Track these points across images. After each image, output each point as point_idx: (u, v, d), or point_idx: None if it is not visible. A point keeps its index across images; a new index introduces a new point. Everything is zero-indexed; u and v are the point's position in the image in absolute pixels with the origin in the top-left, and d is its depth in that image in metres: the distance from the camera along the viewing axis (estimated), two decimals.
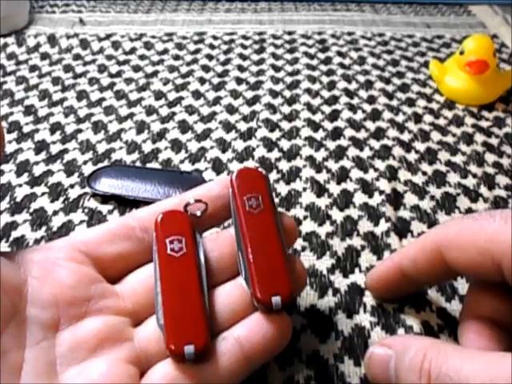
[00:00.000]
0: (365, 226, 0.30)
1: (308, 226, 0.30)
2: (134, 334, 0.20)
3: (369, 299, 0.26)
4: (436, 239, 0.20)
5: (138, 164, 0.35)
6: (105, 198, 0.32)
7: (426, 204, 0.32)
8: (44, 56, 0.49)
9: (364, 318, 0.25)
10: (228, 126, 0.39)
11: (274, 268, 0.20)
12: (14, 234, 0.29)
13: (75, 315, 0.19)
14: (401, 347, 0.18)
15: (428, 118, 0.40)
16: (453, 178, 0.34)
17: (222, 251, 0.22)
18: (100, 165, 0.35)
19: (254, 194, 0.22)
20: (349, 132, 0.38)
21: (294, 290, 0.20)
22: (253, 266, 0.20)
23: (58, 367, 0.18)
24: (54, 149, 0.36)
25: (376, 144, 0.37)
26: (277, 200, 0.32)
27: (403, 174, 0.34)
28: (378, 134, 0.38)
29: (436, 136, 0.38)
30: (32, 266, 0.20)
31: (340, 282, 0.27)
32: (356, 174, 0.34)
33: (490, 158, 0.36)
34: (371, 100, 0.42)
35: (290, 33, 0.54)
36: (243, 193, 0.22)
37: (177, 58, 0.49)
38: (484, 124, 0.40)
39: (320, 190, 0.33)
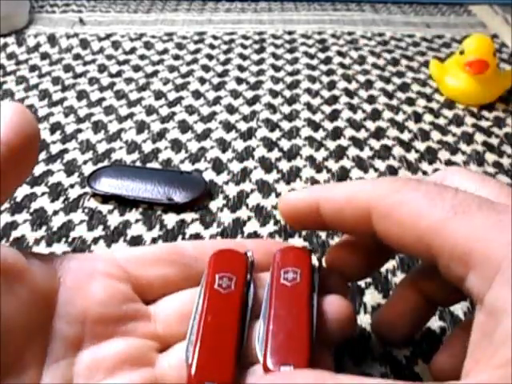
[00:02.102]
0: None
1: None
2: (157, 359, 0.18)
3: (368, 298, 0.26)
4: (370, 200, 0.17)
5: (138, 164, 0.35)
6: (105, 198, 0.32)
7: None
8: (44, 56, 0.49)
9: (364, 319, 0.25)
10: (228, 126, 0.39)
11: (293, 341, 0.18)
12: (14, 234, 0.29)
13: (101, 334, 0.18)
14: None
15: (428, 117, 0.40)
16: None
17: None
18: (100, 165, 0.35)
19: (293, 269, 0.20)
20: (349, 132, 0.38)
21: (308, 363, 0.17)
22: (270, 335, 0.18)
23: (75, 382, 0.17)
24: (54, 149, 0.36)
25: (376, 144, 0.37)
26: (277, 200, 0.32)
27: (403, 174, 0.34)
28: (378, 133, 0.38)
29: (436, 135, 0.38)
30: (67, 274, 0.19)
31: None
32: (356, 173, 0.34)
33: (491, 157, 0.36)
34: (371, 100, 0.42)
35: (290, 33, 0.54)
36: (282, 265, 0.20)
37: (177, 57, 0.49)
38: (484, 124, 0.40)
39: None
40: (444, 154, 0.36)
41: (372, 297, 0.26)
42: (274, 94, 0.43)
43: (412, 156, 0.36)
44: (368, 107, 0.41)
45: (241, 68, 0.47)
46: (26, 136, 0.18)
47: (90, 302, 0.18)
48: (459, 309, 0.25)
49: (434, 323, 0.24)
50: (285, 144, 0.37)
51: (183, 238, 0.29)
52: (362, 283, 0.26)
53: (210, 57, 0.49)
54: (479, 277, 0.14)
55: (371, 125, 0.39)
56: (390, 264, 0.28)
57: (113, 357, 0.18)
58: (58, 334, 0.17)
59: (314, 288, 0.20)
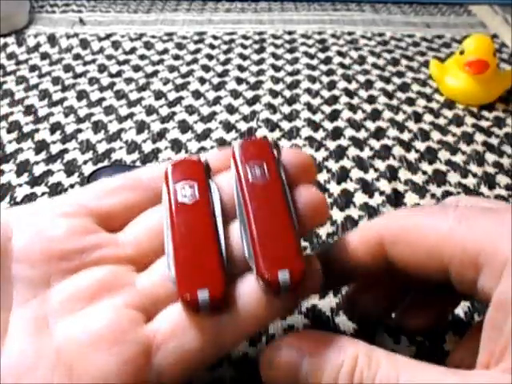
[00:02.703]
0: None
1: None
2: (136, 279, 0.18)
3: None
4: (381, 231, 0.18)
5: (138, 164, 0.35)
6: None
7: (427, 203, 0.32)
8: (44, 56, 0.49)
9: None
10: (228, 126, 0.39)
11: (281, 242, 0.17)
12: None
13: (68, 269, 0.18)
14: (315, 349, 0.16)
15: (428, 117, 0.40)
16: (453, 177, 0.34)
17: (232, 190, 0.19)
18: (100, 165, 0.35)
19: (258, 163, 0.19)
20: (349, 132, 0.38)
21: (305, 268, 0.17)
22: (256, 239, 0.17)
23: (49, 322, 0.17)
24: (54, 149, 0.36)
25: (376, 144, 0.37)
26: None
27: (403, 174, 0.34)
28: (378, 133, 0.38)
29: (436, 135, 0.38)
30: (19, 223, 0.18)
31: None
32: (356, 173, 0.34)
33: (491, 157, 0.36)
34: (371, 100, 0.42)
35: (290, 32, 0.54)
36: (246, 160, 0.19)
37: (177, 57, 0.49)
38: (484, 124, 0.40)
39: (320, 189, 0.33)
40: (444, 154, 0.36)
41: None
42: (274, 94, 0.43)
43: (412, 156, 0.36)
44: (368, 107, 0.41)
45: (241, 68, 0.47)
46: None
47: (49, 241, 0.18)
48: (460, 308, 0.25)
49: None
50: (285, 144, 0.37)
51: None
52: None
53: (209, 57, 0.49)
54: (488, 274, 0.15)
55: (371, 125, 0.39)
56: None
57: (87, 286, 0.17)
58: (20, 277, 0.17)
59: (284, 182, 0.19)
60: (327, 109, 0.41)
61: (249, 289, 0.17)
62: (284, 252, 0.17)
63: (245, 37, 0.53)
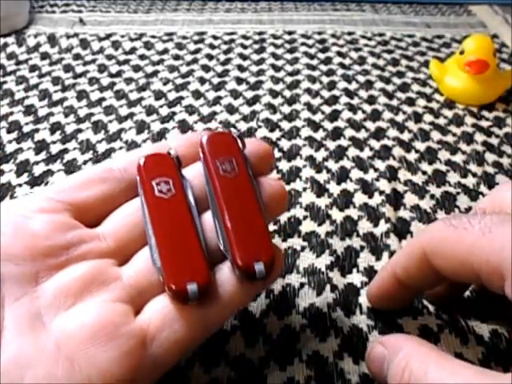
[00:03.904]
0: (364, 226, 0.30)
1: (308, 226, 0.30)
2: (120, 272, 0.19)
3: (364, 299, 0.25)
4: (422, 245, 0.20)
5: None
6: None
7: (426, 204, 0.32)
8: (44, 56, 0.49)
9: (361, 319, 0.25)
10: (228, 126, 0.39)
11: (254, 233, 0.19)
12: None
13: (54, 265, 0.18)
14: (392, 348, 0.18)
15: (428, 117, 0.40)
16: (453, 177, 0.34)
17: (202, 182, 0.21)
18: None
19: (228, 158, 0.20)
20: (349, 132, 0.38)
21: (276, 256, 0.19)
22: (231, 232, 0.19)
23: (43, 318, 0.17)
24: (54, 149, 0.36)
25: (376, 144, 0.37)
26: None
27: (403, 174, 0.34)
28: (378, 133, 0.38)
29: (436, 135, 0.38)
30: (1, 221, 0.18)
31: (338, 279, 0.27)
32: (356, 174, 0.34)
33: (490, 157, 0.36)
34: (371, 100, 0.42)
35: (290, 33, 0.54)
36: (215, 154, 0.21)
37: (177, 57, 0.49)
38: (484, 124, 0.40)
39: (320, 190, 0.33)
40: (444, 154, 0.36)
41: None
42: (274, 94, 0.43)
43: (412, 156, 0.36)
44: (368, 107, 0.41)
45: (241, 68, 0.47)
46: None
47: (33, 240, 0.18)
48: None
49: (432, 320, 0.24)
50: (285, 144, 0.37)
51: None
52: (357, 283, 0.26)
53: (210, 57, 0.49)
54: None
55: (371, 125, 0.39)
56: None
57: (76, 281, 0.18)
58: (8, 276, 0.17)
59: (251, 174, 0.20)
60: (327, 109, 0.41)
61: (227, 278, 0.19)
62: (258, 243, 0.19)
63: (245, 37, 0.53)
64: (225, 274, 0.19)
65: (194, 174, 0.21)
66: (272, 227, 0.30)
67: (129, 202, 0.21)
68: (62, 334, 0.17)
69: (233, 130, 0.36)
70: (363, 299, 0.26)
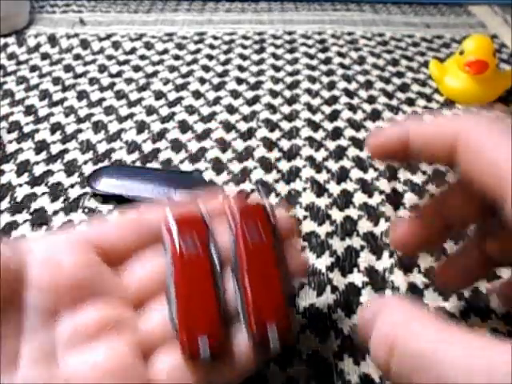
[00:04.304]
0: (364, 226, 0.30)
1: (308, 226, 0.30)
2: (136, 320, 0.19)
3: (365, 299, 0.26)
4: (457, 131, 0.18)
5: (138, 164, 0.35)
6: (105, 198, 0.32)
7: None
8: (44, 56, 0.49)
9: None
10: (228, 126, 0.39)
11: (272, 302, 0.19)
12: (15, 234, 0.29)
13: (76, 301, 0.19)
14: (378, 308, 0.17)
15: (428, 117, 0.40)
16: (453, 176, 0.34)
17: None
18: (100, 165, 0.35)
19: (256, 226, 0.21)
20: (349, 132, 0.38)
21: (291, 327, 0.19)
22: (249, 298, 0.19)
23: (58, 354, 0.18)
24: (55, 149, 0.36)
25: None
26: (277, 200, 0.32)
27: (403, 174, 0.34)
28: None
29: None
30: (33, 252, 0.19)
31: (338, 280, 0.27)
32: (356, 173, 0.34)
33: None
34: (371, 100, 0.42)
35: (290, 33, 0.54)
36: (244, 221, 0.21)
37: (177, 57, 0.49)
38: None
39: (320, 189, 0.33)
40: None
41: (369, 297, 0.26)
42: (274, 94, 0.43)
43: None
44: (368, 107, 0.41)
45: (241, 68, 0.47)
46: None
47: (59, 273, 0.19)
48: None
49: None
50: (285, 144, 0.37)
51: None
52: (358, 283, 0.26)
53: (210, 57, 0.49)
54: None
55: (371, 125, 0.39)
56: (388, 263, 0.28)
57: (93, 322, 0.18)
58: (31, 305, 0.18)
59: (276, 244, 0.21)
60: (327, 109, 0.41)
61: (241, 342, 0.19)
62: (274, 312, 0.19)
63: (245, 37, 0.53)
64: (241, 338, 0.19)
65: (225, 235, 0.21)
66: None
67: (154, 251, 0.21)
68: (73, 371, 0.17)
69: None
70: (364, 299, 0.26)
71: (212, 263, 0.20)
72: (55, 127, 0.39)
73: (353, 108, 0.41)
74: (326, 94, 0.43)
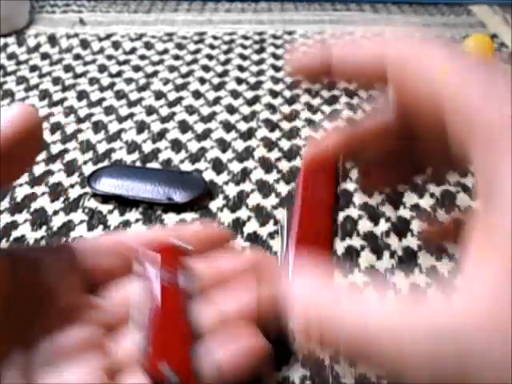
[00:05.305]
0: (365, 225, 0.30)
1: None
2: (110, 344, 0.20)
3: None
4: (383, 49, 0.17)
5: (138, 164, 0.35)
6: (105, 198, 0.32)
7: (426, 202, 0.32)
8: (44, 56, 0.49)
9: None
10: (228, 126, 0.39)
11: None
12: (15, 234, 0.29)
13: (55, 324, 0.19)
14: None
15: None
16: (452, 176, 0.34)
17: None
18: (100, 165, 0.35)
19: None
20: None
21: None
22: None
23: (34, 370, 0.18)
24: (55, 149, 0.36)
25: None
26: (277, 200, 0.32)
27: None
28: None
29: None
30: (20, 269, 0.20)
31: (339, 279, 0.27)
32: (356, 174, 0.34)
33: None
34: (371, 99, 0.42)
35: (290, 33, 0.54)
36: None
37: (177, 57, 0.49)
38: None
39: None
40: None
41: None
42: (274, 94, 0.43)
43: None
44: (368, 107, 0.41)
45: (241, 68, 0.47)
46: (26, 127, 0.18)
47: (42, 295, 0.19)
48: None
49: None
50: (285, 144, 0.37)
51: None
52: (360, 282, 0.26)
53: (210, 57, 0.49)
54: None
55: None
56: (389, 263, 0.28)
57: (73, 344, 0.19)
58: (13, 318, 0.18)
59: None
60: (327, 109, 0.41)
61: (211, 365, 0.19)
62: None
63: (245, 37, 0.53)
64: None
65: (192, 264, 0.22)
66: (272, 227, 0.30)
67: (131, 276, 0.22)
68: None
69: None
70: None
71: (186, 292, 0.21)
72: (55, 127, 0.39)
73: (353, 108, 0.41)
74: (325, 93, 0.43)
